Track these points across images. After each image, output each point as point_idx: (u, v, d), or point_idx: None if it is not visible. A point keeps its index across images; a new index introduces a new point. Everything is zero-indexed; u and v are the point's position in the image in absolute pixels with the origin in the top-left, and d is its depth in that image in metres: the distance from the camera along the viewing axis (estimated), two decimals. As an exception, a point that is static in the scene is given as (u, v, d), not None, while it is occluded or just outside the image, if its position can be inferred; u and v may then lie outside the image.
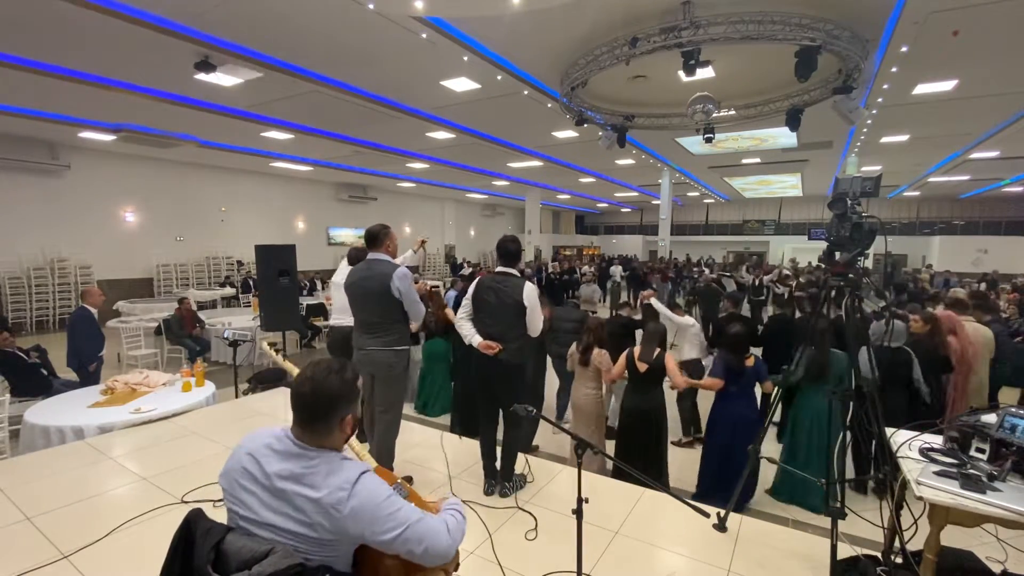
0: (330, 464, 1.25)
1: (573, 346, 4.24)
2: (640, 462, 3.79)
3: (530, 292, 2.91)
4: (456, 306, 5.80)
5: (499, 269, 3.06)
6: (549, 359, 5.18)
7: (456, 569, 1.49)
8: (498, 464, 3.08)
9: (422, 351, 5.77)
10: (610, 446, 4.14)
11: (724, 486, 3.64)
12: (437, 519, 1.34)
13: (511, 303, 2.90)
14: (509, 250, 3.05)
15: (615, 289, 13.99)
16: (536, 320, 2.94)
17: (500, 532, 2.65)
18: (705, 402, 4.93)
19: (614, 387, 4.64)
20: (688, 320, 5.30)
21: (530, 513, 2.80)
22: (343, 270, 4.06)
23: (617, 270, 15.14)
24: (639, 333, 4.30)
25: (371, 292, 3.00)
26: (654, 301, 5.68)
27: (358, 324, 3.12)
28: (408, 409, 5.55)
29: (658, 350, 3.83)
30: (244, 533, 1.25)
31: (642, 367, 3.78)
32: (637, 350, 3.86)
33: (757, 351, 5.23)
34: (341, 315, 4.05)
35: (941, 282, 12.89)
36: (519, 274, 3.05)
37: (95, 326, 5.14)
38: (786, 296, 7.96)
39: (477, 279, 3.14)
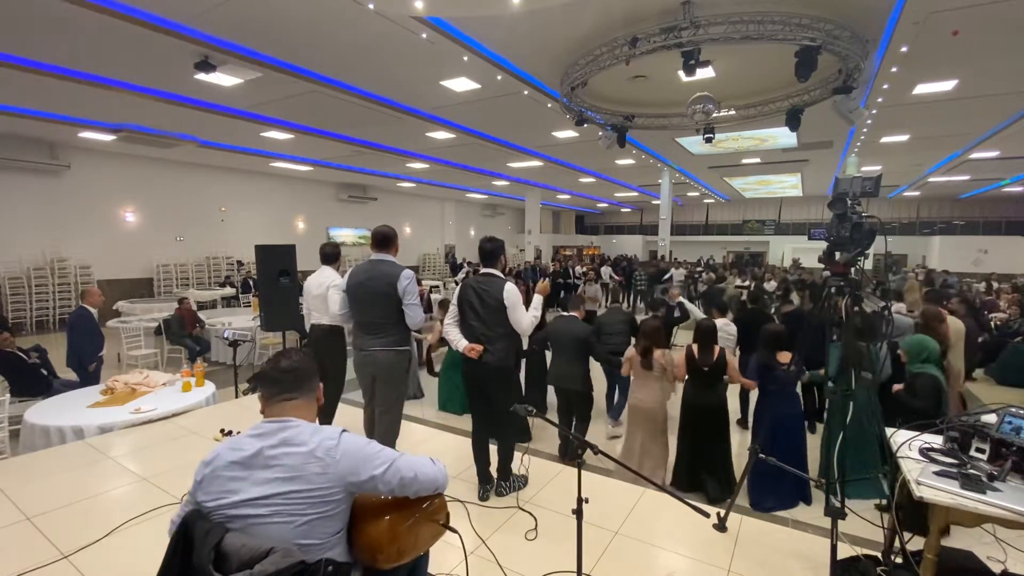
0: (312, 426, 1.39)
1: (630, 350, 4.17)
2: (707, 459, 3.75)
3: (510, 290, 2.92)
4: None
5: (483, 271, 3.06)
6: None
7: (447, 522, 1.55)
8: (493, 469, 3.09)
9: (448, 355, 5.64)
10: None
11: (772, 486, 3.63)
12: (419, 456, 1.50)
13: (493, 304, 2.90)
14: (485, 249, 3.07)
15: (615, 290, 13.99)
16: (520, 317, 2.92)
17: (500, 532, 2.66)
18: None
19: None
20: (721, 321, 5.28)
21: (530, 513, 2.80)
22: (329, 274, 4.03)
23: (607, 271, 15.10)
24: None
25: (376, 293, 3.01)
26: (685, 302, 5.69)
27: (359, 325, 3.12)
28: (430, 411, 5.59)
29: (717, 347, 3.83)
30: (236, 522, 1.27)
31: (703, 365, 3.77)
32: (695, 348, 3.84)
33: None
34: (319, 315, 4.07)
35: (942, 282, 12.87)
36: (502, 274, 3.05)
37: (95, 326, 5.14)
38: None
39: (461, 283, 3.13)
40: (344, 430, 1.40)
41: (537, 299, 3.05)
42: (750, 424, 5.05)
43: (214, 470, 1.33)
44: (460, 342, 2.97)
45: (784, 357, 3.68)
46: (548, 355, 4.99)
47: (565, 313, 4.69)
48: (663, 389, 3.99)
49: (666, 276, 13.36)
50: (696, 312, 5.43)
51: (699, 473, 3.80)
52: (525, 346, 5.22)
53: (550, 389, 5.04)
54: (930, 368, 3.36)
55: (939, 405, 3.25)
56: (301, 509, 1.27)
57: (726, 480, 3.79)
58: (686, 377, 3.95)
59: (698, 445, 3.79)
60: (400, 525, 1.41)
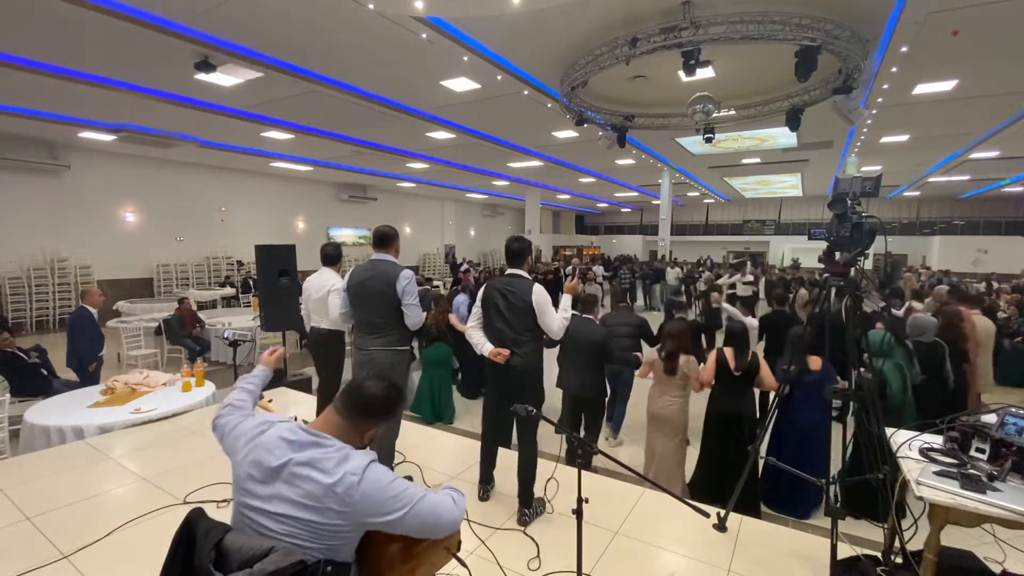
0: (342, 452, 1.32)
1: (651, 353, 3.97)
2: (733, 468, 3.41)
3: (539, 292, 2.80)
4: (467, 312, 5.71)
5: (508, 271, 2.96)
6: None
7: (458, 549, 1.51)
8: (496, 481, 3.03)
9: (422, 357, 5.56)
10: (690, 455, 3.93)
11: (796, 495, 3.57)
12: (441, 493, 1.43)
13: (521, 306, 2.79)
14: (512, 249, 2.92)
15: (616, 291, 13.95)
16: (550, 320, 2.81)
17: (500, 532, 2.66)
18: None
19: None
20: (753, 321, 5.24)
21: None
22: (329, 277, 4.00)
23: (599, 270, 15.05)
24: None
25: (376, 292, 3.00)
26: (725, 304, 5.59)
27: (359, 325, 3.12)
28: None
29: (751, 352, 3.66)
30: (249, 524, 1.27)
31: (737, 370, 3.60)
32: (729, 352, 3.67)
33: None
34: (317, 317, 4.06)
35: (935, 280, 12.84)
36: (528, 275, 2.93)
37: (95, 326, 5.14)
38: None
39: (485, 284, 3.02)
40: (372, 461, 1.34)
41: (566, 299, 2.93)
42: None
43: (247, 457, 1.33)
44: (485, 346, 2.85)
45: (816, 363, 3.51)
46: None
47: (579, 315, 4.45)
48: (686, 396, 3.82)
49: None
50: (739, 317, 5.27)
51: (725, 483, 3.53)
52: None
53: (551, 392, 4.93)
54: (876, 362, 3.38)
55: (882, 398, 3.29)
56: (314, 539, 1.25)
57: (752, 490, 3.54)
58: (712, 383, 3.76)
59: (727, 453, 3.56)
60: (411, 548, 1.40)
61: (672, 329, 3.90)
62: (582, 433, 4.33)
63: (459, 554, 1.55)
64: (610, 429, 5.07)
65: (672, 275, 13.56)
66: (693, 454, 3.96)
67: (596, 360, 4.15)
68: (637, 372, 4.18)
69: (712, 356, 3.77)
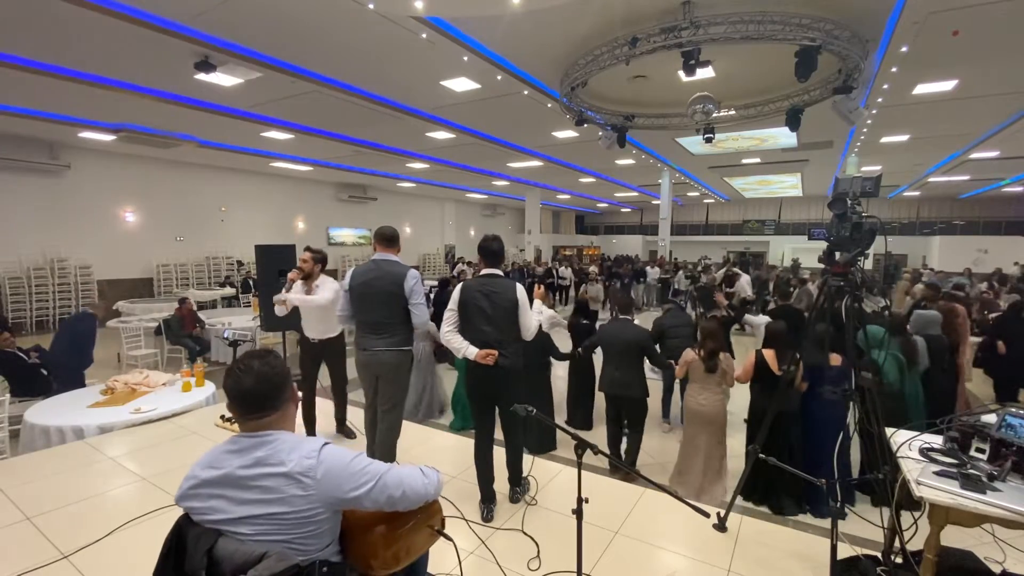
0: (290, 441, 1.29)
1: (688, 352, 4.00)
2: (780, 467, 3.28)
3: (522, 290, 2.84)
4: None
5: (484, 272, 2.91)
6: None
7: (443, 526, 1.51)
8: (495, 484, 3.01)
9: (457, 364, 5.22)
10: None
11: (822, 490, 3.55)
12: (408, 466, 1.40)
13: (507, 305, 2.78)
14: (493, 249, 2.92)
15: (613, 292, 13.96)
16: (530, 320, 2.83)
17: (499, 532, 2.66)
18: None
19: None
20: (761, 318, 5.23)
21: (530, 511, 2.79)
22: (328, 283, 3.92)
23: (592, 271, 15.09)
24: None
25: (381, 292, 2.99)
26: (748, 315, 5.55)
27: (362, 325, 3.11)
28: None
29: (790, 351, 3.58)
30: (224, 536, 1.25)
31: (777, 369, 3.57)
32: (770, 353, 3.66)
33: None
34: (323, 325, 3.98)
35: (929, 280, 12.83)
36: (504, 274, 2.95)
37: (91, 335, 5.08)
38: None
39: (460, 285, 2.95)
40: (326, 443, 1.31)
41: (537, 303, 3.02)
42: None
43: (186, 493, 1.28)
44: (469, 349, 2.77)
45: (836, 359, 3.51)
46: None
47: (622, 316, 4.38)
48: (724, 392, 3.89)
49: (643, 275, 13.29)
50: (753, 320, 5.18)
51: (775, 485, 3.54)
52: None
53: (598, 400, 4.89)
54: (877, 354, 3.46)
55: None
56: (285, 530, 1.22)
57: (797, 490, 3.51)
58: (744, 380, 3.77)
59: (777, 453, 3.35)
60: (394, 531, 1.38)
61: (707, 329, 3.97)
62: (624, 433, 4.32)
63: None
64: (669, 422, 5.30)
65: (653, 275, 13.50)
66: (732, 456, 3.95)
67: (635, 361, 4.15)
68: (675, 372, 4.18)
69: (750, 357, 3.75)
